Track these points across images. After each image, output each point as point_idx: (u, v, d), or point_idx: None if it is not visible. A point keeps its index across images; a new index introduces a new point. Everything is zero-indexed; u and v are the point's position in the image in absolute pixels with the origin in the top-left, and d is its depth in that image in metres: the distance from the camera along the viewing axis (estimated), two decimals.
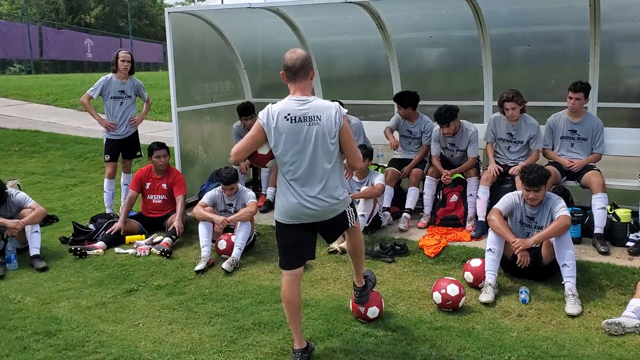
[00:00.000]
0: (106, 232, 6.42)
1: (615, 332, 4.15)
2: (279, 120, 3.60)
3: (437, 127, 6.45)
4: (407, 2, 6.76)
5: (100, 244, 6.25)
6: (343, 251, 5.81)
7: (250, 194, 6.15)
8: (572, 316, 4.48)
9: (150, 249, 6.10)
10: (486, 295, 4.75)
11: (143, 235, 6.54)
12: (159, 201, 6.76)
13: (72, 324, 4.52)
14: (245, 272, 5.60)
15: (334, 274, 5.47)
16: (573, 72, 6.54)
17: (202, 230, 5.86)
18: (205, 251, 5.73)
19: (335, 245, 5.89)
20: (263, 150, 3.76)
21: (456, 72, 7.45)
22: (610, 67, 6.53)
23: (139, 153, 7.62)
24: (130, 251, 6.13)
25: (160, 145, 6.72)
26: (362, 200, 5.97)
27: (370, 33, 7.26)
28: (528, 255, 4.81)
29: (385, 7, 6.87)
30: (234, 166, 6.71)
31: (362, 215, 5.93)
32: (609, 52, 6.45)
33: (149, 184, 6.75)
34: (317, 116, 3.60)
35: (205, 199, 6.09)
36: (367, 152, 6.18)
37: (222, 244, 5.87)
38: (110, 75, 7.22)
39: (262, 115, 3.67)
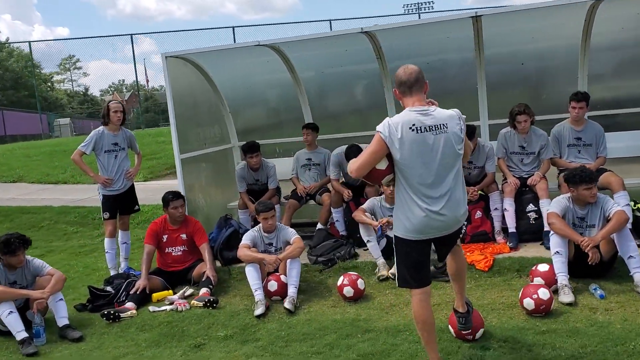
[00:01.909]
0: (131, 292, 5.91)
1: None
2: (403, 131, 3.55)
3: None
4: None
5: (130, 304, 5.73)
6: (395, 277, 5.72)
7: (291, 230, 5.93)
8: None
9: (192, 302, 5.68)
10: (567, 296, 4.85)
11: (170, 291, 6.08)
12: (179, 253, 6.35)
13: None
14: (307, 309, 5.36)
15: (400, 299, 5.36)
16: (562, 85, 7.04)
17: (252, 272, 5.56)
18: (259, 294, 5.42)
19: (385, 271, 5.80)
20: (381, 166, 3.68)
21: (450, 95, 7.71)
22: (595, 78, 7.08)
23: (137, 207, 7.16)
24: (168, 307, 5.67)
25: (176, 195, 6.35)
26: None
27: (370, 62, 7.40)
28: (597, 252, 4.99)
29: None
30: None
31: None
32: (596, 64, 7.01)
33: (166, 236, 6.33)
34: (443, 124, 3.58)
35: (247, 240, 5.80)
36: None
37: (272, 285, 5.59)
38: (101, 128, 6.81)
39: (382, 128, 3.60)
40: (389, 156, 3.65)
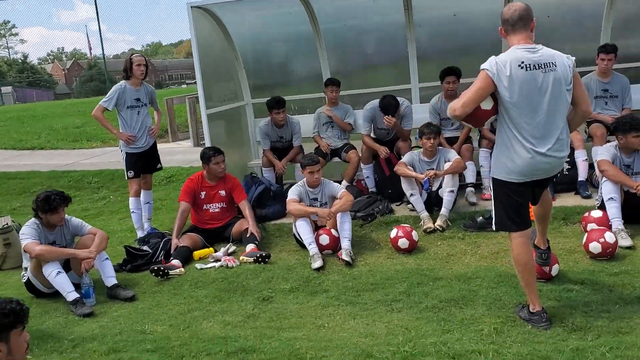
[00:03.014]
0: (172, 251, 5.72)
1: None
2: (512, 69, 3.47)
3: None
4: None
5: (176, 262, 5.54)
6: (442, 229, 5.74)
7: (336, 184, 5.83)
8: None
9: (241, 258, 5.53)
10: (626, 240, 4.96)
11: (211, 249, 5.91)
12: (217, 210, 6.17)
13: (250, 339, 3.95)
14: (364, 262, 5.30)
15: (455, 249, 5.37)
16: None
17: (304, 226, 5.45)
18: (314, 248, 5.32)
19: (431, 224, 5.79)
20: (486, 105, 3.61)
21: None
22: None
23: (159, 166, 6.89)
24: (216, 264, 5.51)
25: (217, 150, 6.14)
26: (448, 177, 5.93)
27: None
28: None
29: None
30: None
31: (452, 191, 5.91)
32: None
33: (204, 193, 6.13)
34: (552, 62, 3.52)
35: (294, 195, 5.66)
36: (436, 129, 6.16)
37: (324, 239, 5.49)
38: (123, 82, 6.46)
39: (488, 66, 3.52)
40: (493, 96, 3.59)
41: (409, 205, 6.37)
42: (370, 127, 6.91)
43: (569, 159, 6.46)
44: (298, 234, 5.66)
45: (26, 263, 5.20)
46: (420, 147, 6.78)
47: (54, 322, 4.63)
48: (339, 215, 5.51)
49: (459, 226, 5.82)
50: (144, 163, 6.61)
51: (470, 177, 6.54)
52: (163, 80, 56.52)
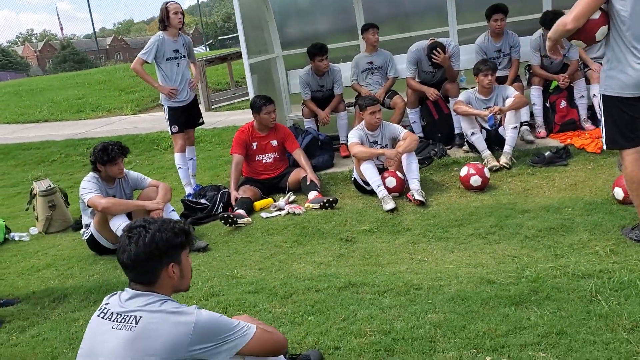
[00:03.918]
0: (233, 203, 5.53)
1: None
2: None
3: (536, 35, 6.46)
4: None
5: (241, 212, 5.34)
6: (509, 167, 5.61)
7: (397, 126, 5.64)
8: None
9: (306, 205, 5.36)
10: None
11: (270, 199, 5.73)
12: (270, 160, 5.97)
13: (352, 275, 3.79)
14: (436, 201, 5.16)
15: (528, 184, 5.25)
16: None
17: (370, 169, 5.27)
18: (383, 190, 5.16)
19: (495, 162, 5.65)
20: (595, 15, 3.46)
21: None
22: None
23: (202, 120, 6.64)
24: (282, 212, 5.34)
25: (268, 99, 5.89)
26: (510, 113, 5.78)
27: None
28: None
29: None
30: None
31: (515, 127, 5.76)
32: None
33: (256, 143, 5.91)
34: None
35: (355, 138, 5.46)
36: (492, 65, 5.98)
37: (390, 182, 5.31)
38: (160, 33, 6.13)
39: None
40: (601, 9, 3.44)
41: (464, 147, 6.23)
42: (416, 70, 6.70)
43: None
44: (360, 179, 5.50)
45: (87, 219, 4.98)
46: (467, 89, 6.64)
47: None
48: (404, 156, 5.35)
49: (525, 163, 5.69)
50: (187, 117, 6.36)
51: (524, 115, 6.39)
52: None
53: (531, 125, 6.47)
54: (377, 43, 6.99)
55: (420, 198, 5.05)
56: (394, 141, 5.60)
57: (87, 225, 4.96)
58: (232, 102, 13.00)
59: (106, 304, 2.16)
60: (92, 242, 4.94)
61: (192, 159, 6.57)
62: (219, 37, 50.40)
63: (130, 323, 2.05)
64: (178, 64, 6.20)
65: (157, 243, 2.11)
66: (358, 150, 5.37)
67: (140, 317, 2.05)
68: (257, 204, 5.63)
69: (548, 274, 3.39)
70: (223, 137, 9.05)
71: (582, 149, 5.76)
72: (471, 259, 3.89)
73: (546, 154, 5.62)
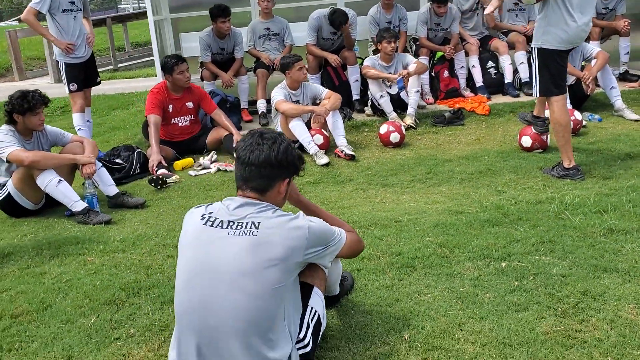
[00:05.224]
0: (154, 167, 5.27)
1: None
2: None
3: (423, 9, 7.05)
4: None
5: (164, 171, 5.14)
6: (415, 127, 6.08)
7: (318, 86, 5.82)
8: (638, 120, 5.83)
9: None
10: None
11: (190, 159, 5.57)
12: (187, 123, 5.79)
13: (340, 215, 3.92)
14: (363, 156, 5.44)
15: (439, 139, 5.77)
16: None
17: (300, 127, 5.39)
18: (314, 146, 5.32)
19: (402, 122, 6.09)
20: None
21: None
22: None
23: (99, 79, 6.21)
24: (212, 170, 5.24)
25: (180, 58, 5.66)
26: (412, 78, 6.24)
27: None
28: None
29: None
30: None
31: (417, 91, 6.26)
32: None
33: (171, 106, 5.68)
34: None
35: (281, 96, 5.52)
36: (395, 33, 6.42)
37: (318, 139, 5.47)
38: None
39: None
40: None
41: (367, 111, 6.61)
42: (316, 37, 6.91)
43: (494, 64, 7.24)
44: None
45: (3, 179, 4.43)
46: (362, 58, 7.03)
47: (77, 230, 4.08)
48: (330, 114, 5.55)
49: (427, 124, 6.22)
50: (85, 75, 5.89)
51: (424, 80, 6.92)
52: None
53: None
54: (269, 10, 7.02)
55: (351, 152, 5.31)
56: (315, 100, 5.77)
57: (2, 185, 4.41)
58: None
59: (209, 213, 2.11)
60: (8, 203, 4.40)
61: (88, 120, 6.12)
62: None
63: (250, 228, 2.03)
64: (75, 17, 5.76)
65: (287, 154, 2.13)
66: (288, 107, 5.45)
67: (259, 222, 2.04)
68: (179, 164, 5.45)
69: (505, 203, 3.85)
70: (96, 105, 8.44)
71: (472, 111, 6.45)
72: (424, 198, 4.23)
73: (446, 114, 6.22)
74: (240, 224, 2.04)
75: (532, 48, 4.35)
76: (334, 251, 2.22)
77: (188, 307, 2.03)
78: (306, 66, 6.03)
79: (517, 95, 6.92)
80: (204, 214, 2.13)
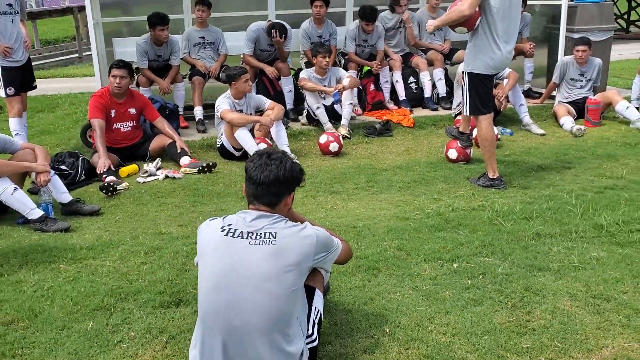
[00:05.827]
0: (100, 172, 5.30)
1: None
2: None
3: (352, 26, 7.51)
4: None
5: (113, 178, 5.20)
6: (349, 137, 6.51)
7: (262, 96, 6.10)
8: (543, 134, 6.61)
9: (183, 170, 5.48)
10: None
11: (135, 166, 5.66)
12: (128, 129, 5.86)
13: None
14: (305, 165, 5.76)
15: (373, 150, 6.23)
16: None
17: (246, 135, 5.66)
18: None
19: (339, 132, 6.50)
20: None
21: None
22: None
23: (35, 84, 6.14)
24: (160, 177, 5.37)
25: (120, 64, 5.69)
26: (347, 92, 6.66)
27: None
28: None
29: None
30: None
31: (351, 103, 6.70)
32: None
33: (114, 111, 5.73)
34: None
35: (227, 105, 5.75)
36: (328, 48, 6.83)
37: (262, 147, 5.77)
38: None
39: None
40: None
41: (302, 121, 6.97)
42: (253, 48, 7.18)
43: (415, 80, 7.84)
44: (229, 146, 5.83)
45: None
46: (295, 70, 7.39)
47: (38, 237, 4.10)
48: (275, 124, 5.84)
49: (359, 134, 6.67)
50: (22, 79, 5.81)
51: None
52: None
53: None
54: (204, 20, 7.20)
55: (295, 161, 5.62)
56: (257, 110, 6.04)
57: None
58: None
59: (228, 225, 2.36)
60: None
61: (24, 125, 6.02)
62: None
63: (269, 238, 2.31)
64: (12, 19, 5.71)
65: (293, 171, 2.42)
66: (234, 116, 5.69)
67: (276, 232, 2.33)
68: (125, 170, 5.53)
69: (444, 210, 4.35)
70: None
71: (398, 123, 6.99)
72: (370, 205, 4.64)
73: (376, 126, 6.70)
74: (259, 234, 2.32)
75: (462, 72, 4.90)
76: (335, 257, 2.55)
77: (215, 308, 2.27)
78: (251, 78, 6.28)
79: (436, 109, 7.57)
80: (224, 226, 2.38)
